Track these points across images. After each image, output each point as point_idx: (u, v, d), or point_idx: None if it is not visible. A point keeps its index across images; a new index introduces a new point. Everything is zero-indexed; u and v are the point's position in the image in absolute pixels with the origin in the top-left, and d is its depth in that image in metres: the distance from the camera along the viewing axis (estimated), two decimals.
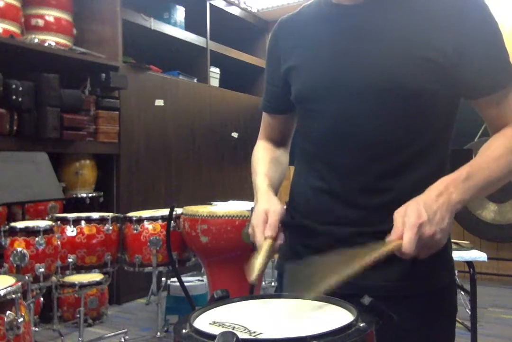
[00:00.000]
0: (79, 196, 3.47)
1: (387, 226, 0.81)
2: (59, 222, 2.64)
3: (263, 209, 0.95)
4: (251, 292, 2.51)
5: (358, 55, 0.93)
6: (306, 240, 1.02)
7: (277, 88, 1.11)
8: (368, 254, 0.76)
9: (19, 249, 2.24)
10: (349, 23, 0.96)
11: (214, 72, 4.84)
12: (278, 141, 1.20)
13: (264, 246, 0.88)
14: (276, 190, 1.06)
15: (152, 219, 2.80)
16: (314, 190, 1.00)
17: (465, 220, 4.09)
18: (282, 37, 1.09)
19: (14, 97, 2.92)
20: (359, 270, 0.74)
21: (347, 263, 0.74)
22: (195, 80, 4.57)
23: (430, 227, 0.77)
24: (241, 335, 0.62)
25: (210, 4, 4.70)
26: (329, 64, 0.97)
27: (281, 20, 1.12)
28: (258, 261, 0.85)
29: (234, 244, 2.56)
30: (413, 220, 0.77)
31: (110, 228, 2.72)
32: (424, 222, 0.77)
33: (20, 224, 2.36)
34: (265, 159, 1.13)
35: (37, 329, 2.72)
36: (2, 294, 1.36)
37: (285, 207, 1.01)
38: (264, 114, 1.19)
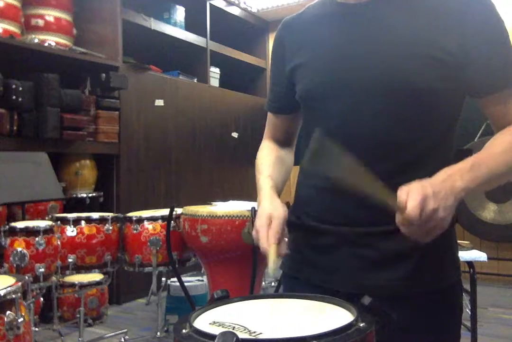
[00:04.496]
0: (79, 196, 3.47)
1: (393, 227, 0.80)
2: (59, 222, 2.64)
3: (266, 213, 0.95)
4: (251, 292, 2.51)
5: (363, 54, 0.93)
6: (311, 240, 1.02)
7: (282, 88, 1.11)
8: (378, 190, 0.78)
9: (19, 249, 2.24)
10: (354, 22, 0.96)
11: (214, 72, 4.83)
12: (283, 141, 1.19)
13: (271, 252, 0.89)
14: (279, 191, 1.06)
15: (152, 219, 2.80)
16: (319, 190, 1.00)
17: (465, 220, 4.09)
18: (286, 37, 1.09)
19: (14, 97, 2.91)
20: (361, 190, 0.77)
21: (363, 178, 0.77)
22: (195, 80, 4.57)
23: (434, 201, 0.77)
24: (241, 335, 0.62)
25: (210, 4, 4.70)
26: (335, 63, 0.96)
27: (285, 20, 1.11)
28: (270, 266, 0.86)
29: (234, 244, 2.56)
30: (417, 192, 0.76)
31: (110, 228, 2.72)
32: (428, 195, 0.76)
33: (20, 224, 2.36)
34: (269, 159, 1.13)
35: (37, 329, 2.72)
36: (2, 294, 1.36)
37: (286, 207, 1.01)
38: (269, 114, 1.19)
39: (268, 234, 0.91)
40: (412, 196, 0.76)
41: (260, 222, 0.94)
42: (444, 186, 0.80)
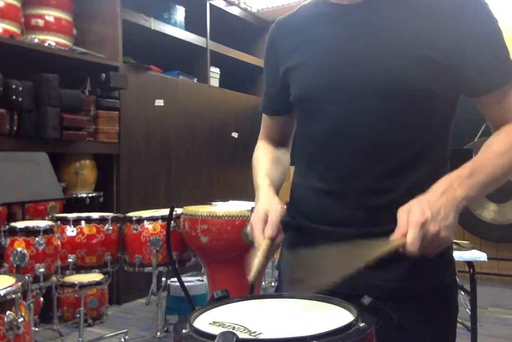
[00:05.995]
0: (79, 196, 3.47)
1: (389, 227, 0.81)
2: (59, 222, 2.65)
3: (263, 208, 0.95)
4: (251, 292, 2.51)
5: (358, 55, 0.93)
6: (307, 241, 1.01)
7: (276, 89, 1.11)
8: (371, 251, 0.76)
9: (19, 249, 2.24)
10: (348, 22, 0.96)
11: (214, 72, 4.83)
12: (278, 142, 1.19)
13: (262, 246, 0.88)
14: (277, 190, 1.06)
15: (152, 219, 2.80)
16: (315, 190, 1.00)
17: (465, 220, 4.09)
18: (280, 37, 1.08)
19: (14, 97, 2.91)
20: (360, 268, 0.74)
21: (349, 259, 0.75)
22: (195, 80, 4.57)
23: (434, 225, 0.77)
24: (241, 335, 0.62)
25: (210, 4, 4.70)
26: (329, 64, 0.96)
27: (278, 20, 1.11)
28: (256, 261, 0.85)
29: (234, 244, 2.56)
30: (417, 218, 0.77)
31: (110, 228, 2.72)
32: (427, 220, 0.77)
33: (20, 224, 2.36)
34: (266, 159, 1.13)
35: (37, 329, 2.72)
36: (2, 294, 1.36)
37: (285, 207, 1.01)
38: (264, 116, 1.19)
39: (264, 228, 0.91)
40: (411, 226, 0.76)
41: (256, 217, 0.94)
42: (443, 201, 0.80)
